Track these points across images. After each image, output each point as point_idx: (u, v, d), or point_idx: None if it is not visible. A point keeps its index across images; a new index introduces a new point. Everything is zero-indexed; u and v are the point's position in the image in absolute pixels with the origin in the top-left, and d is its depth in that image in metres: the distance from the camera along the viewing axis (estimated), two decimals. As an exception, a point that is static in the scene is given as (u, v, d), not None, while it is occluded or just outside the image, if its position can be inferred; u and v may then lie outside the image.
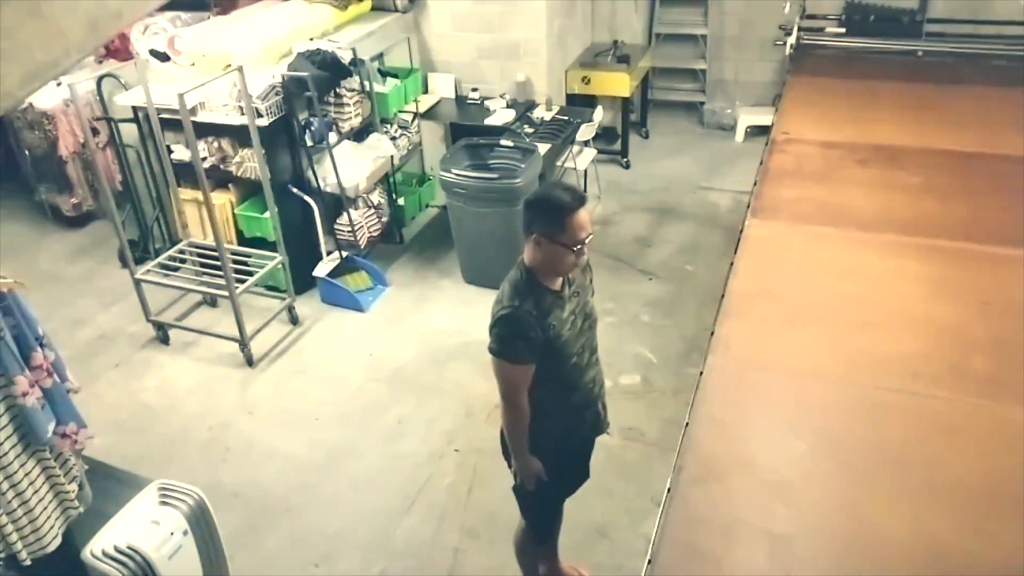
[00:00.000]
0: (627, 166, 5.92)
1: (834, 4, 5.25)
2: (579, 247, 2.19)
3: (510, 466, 2.55)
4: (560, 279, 2.30)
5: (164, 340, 4.26)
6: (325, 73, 4.09)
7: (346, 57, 4.21)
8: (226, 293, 3.94)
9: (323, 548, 3.06)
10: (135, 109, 4.20)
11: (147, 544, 2.27)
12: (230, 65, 3.87)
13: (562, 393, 2.41)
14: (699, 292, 4.38)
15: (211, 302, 4.51)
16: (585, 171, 5.36)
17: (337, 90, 4.28)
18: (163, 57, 4.16)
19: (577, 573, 2.92)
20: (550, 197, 2.23)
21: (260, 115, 3.88)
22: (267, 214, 4.17)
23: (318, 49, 4.14)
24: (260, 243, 4.33)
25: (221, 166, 4.12)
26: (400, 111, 4.94)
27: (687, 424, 2.26)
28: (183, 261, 4.36)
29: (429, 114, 5.22)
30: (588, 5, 6.03)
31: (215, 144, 4.07)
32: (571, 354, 2.34)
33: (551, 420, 2.41)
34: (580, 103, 5.51)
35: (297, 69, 4.03)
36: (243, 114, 3.82)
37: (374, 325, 4.34)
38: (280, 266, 4.21)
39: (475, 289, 4.57)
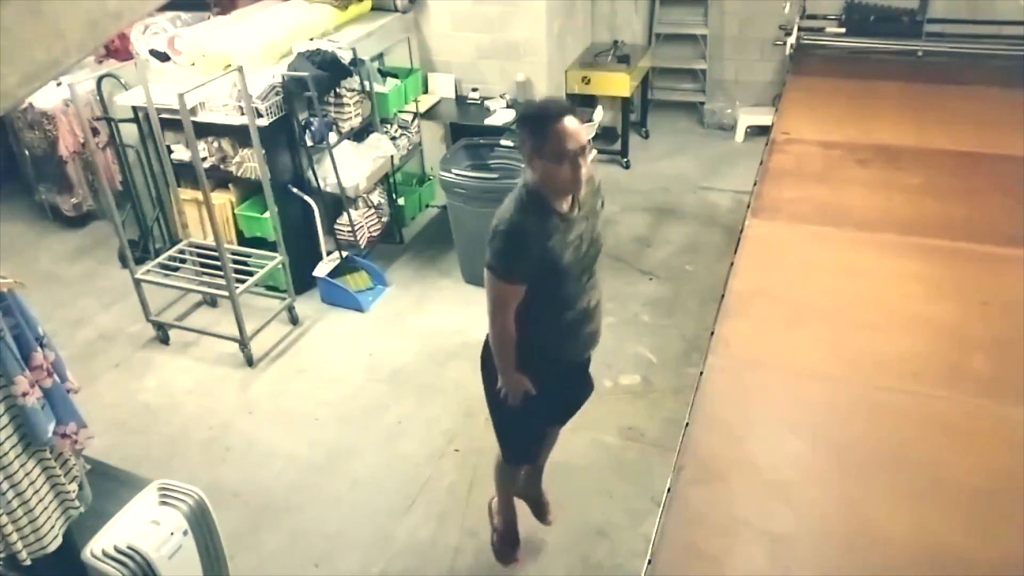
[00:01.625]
0: (627, 166, 5.92)
1: (834, 4, 5.25)
2: (571, 159, 2.09)
3: (484, 380, 2.51)
4: (568, 200, 2.21)
5: (164, 340, 4.26)
6: (325, 73, 4.08)
7: (346, 57, 4.21)
8: (226, 293, 3.94)
9: (323, 548, 3.06)
10: (135, 109, 4.20)
11: (147, 544, 2.27)
12: (230, 65, 3.87)
13: (556, 312, 2.34)
14: (699, 292, 4.38)
15: (211, 302, 4.51)
16: (585, 171, 5.35)
17: (337, 90, 4.28)
18: (163, 57, 4.16)
19: (546, 501, 2.96)
20: (534, 109, 2.22)
21: (260, 115, 3.88)
22: (267, 214, 4.17)
23: (318, 49, 4.14)
24: (260, 243, 4.33)
25: (221, 166, 4.12)
26: (400, 111, 4.94)
27: (687, 424, 2.26)
28: (183, 261, 4.36)
29: (429, 114, 5.22)
30: (588, 5, 6.03)
31: (215, 144, 4.07)
32: (570, 278, 2.27)
33: (542, 337, 2.34)
34: (580, 103, 5.51)
35: (297, 69, 4.03)
36: (243, 114, 3.82)
37: (374, 325, 4.34)
38: (280, 266, 4.21)
39: (475, 289, 4.56)
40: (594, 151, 2.21)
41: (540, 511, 3.02)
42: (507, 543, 2.95)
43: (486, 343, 2.48)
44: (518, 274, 2.20)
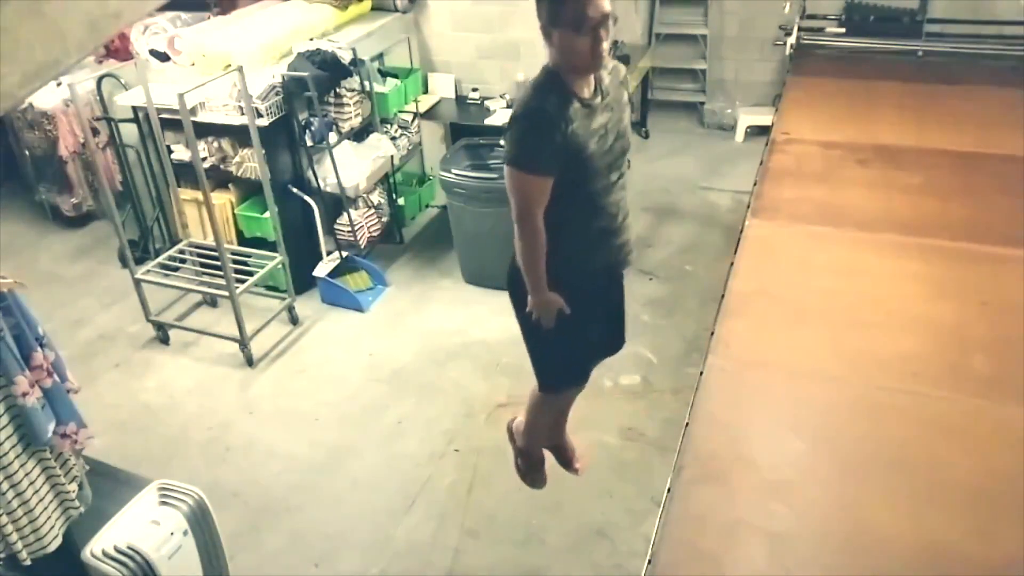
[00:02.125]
0: (627, 166, 5.91)
1: (834, 4, 5.25)
2: (592, 28, 1.93)
3: (516, 307, 2.30)
4: (589, 84, 2.06)
5: (164, 340, 4.26)
6: (325, 73, 4.08)
7: (346, 57, 4.21)
8: (226, 293, 3.94)
9: (323, 548, 3.06)
10: (135, 109, 4.20)
11: (147, 544, 2.27)
12: (230, 65, 3.87)
13: (583, 216, 2.16)
14: (699, 292, 4.38)
15: (211, 302, 4.51)
16: (585, 171, 5.36)
17: (337, 90, 4.28)
18: (163, 57, 4.16)
19: (572, 447, 2.71)
20: None
21: (260, 115, 3.88)
22: (267, 214, 4.17)
23: (318, 49, 4.14)
24: (260, 243, 4.33)
25: (221, 166, 4.12)
26: (400, 111, 4.94)
27: (687, 424, 2.26)
28: (183, 261, 4.36)
29: (429, 114, 5.21)
30: (588, 5, 6.02)
31: (215, 144, 4.07)
32: (596, 172, 2.09)
33: (570, 246, 2.17)
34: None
35: (297, 69, 4.03)
36: (243, 114, 3.82)
37: (374, 325, 4.35)
38: (280, 266, 4.21)
39: (475, 289, 4.57)
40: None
41: (567, 458, 2.78)
42: (533, 464, 2.72)
43: (512, 266, 2.28)
44: (543, 163, 2.01)
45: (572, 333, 2.29)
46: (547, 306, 2.21)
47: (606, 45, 1.98)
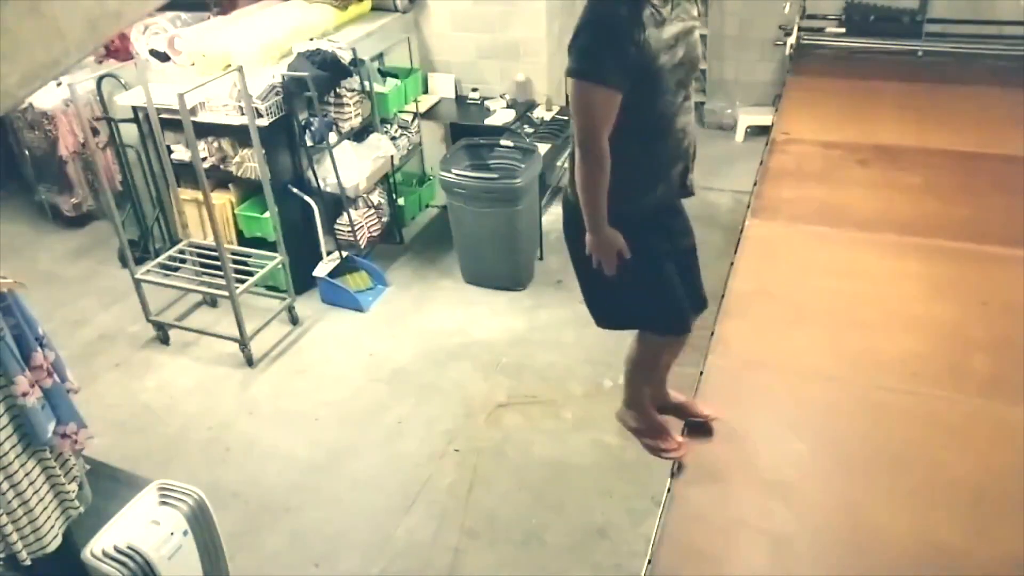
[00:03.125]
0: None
1: (834, 4, 5.25)
2: None
3: (571, 249, 2.09)
4: None
5: (164, 340, 4.26)
6: (325, 73, 4.08)
7: (346, 57, 4.21)
8: (226, 293, 3.94)
9: (323, 548, 3.06)
10: (135, 109, 4.20)
11: (147, 544, 2.27)
12: (230, 65, 3.87)
13: (649, 140, 1.97)
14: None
15: (211, 302, 4.51)
16: (585, 171, 5.36)
17: (337, 90, 4.28)
18: (163, 57, 4.16)
19: (683, 400, 2.36)
20: None
21: (260, 115, 3.88)
22: (267, 214, 4.17)
23: (318, 49, 4.14)
24: (260, 243, 4.32)
25: (221, 166, 4.12)
26: (400, 111, 4.93)
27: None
28: (183, 261, 4.36)
29: (429, 114, 5.21)
30: (588, 5, 6.02)
31: (215, 144, 4.07)
32: (666, 88, 1.90)
33: (633, 175, 1.97)
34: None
35: (297, 69, 4.03)
36: (243, 114, 3.82)
37: (374, 325, 4.34)
38: (280, 266, 4.21)
39: (475, 289, 4.57)
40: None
41: (692, 412, 2.36)
42: (658, 435, 2.37)
43: (566, 201, 2.09)
44: (614, 74, 1.81)
45: (642, 275, 2.06)
46: (608, 246, 1.99)
47: None
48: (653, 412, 2.38)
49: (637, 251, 2.02)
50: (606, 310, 2.23)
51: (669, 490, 2.03)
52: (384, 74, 4.85)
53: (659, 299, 2.13)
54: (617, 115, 1.85)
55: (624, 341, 3.93)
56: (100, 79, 4.29)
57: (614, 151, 1.87)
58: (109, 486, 2.46)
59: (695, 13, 2.00)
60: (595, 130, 1.85)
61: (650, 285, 2.10)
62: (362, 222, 4.54)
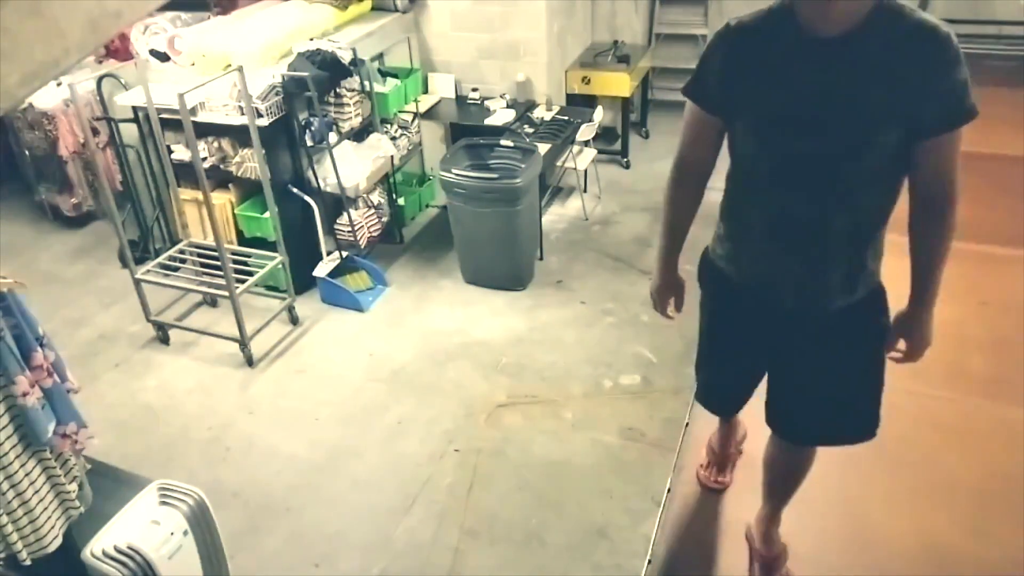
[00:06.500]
0: (627, 166, 5.92)
1: (834, 4, 5.25)
2: None
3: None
4: (829, 14, 1.39)
5: (164, 340, 4.26)
6: (325, 73, 4.09)
7: (346, 57, 4.21)
8: (226, 293, 3.94)
9: (323, 548, 3.06)
10: (135, 109, 4.20)
11: (147, 544, 2.27)
12: (230, 65, 3.87)
13: (740, 204, 1.63)
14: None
15: (211, 302, 4.51)
16: (585, 171, 5.36)
17: (337, 90, 4.28)
18: (163, 57, 4.16)
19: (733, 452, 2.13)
20: None
21: (260, 115, 3.88)
22: (267, 214, 4.17)
23: (318, 49, 4.14)
24: (260, 243, 4.33)
25: (221, 166, 4.12)
26: (400, 111, 4.94)
27: (687, 424, 2.26)
28: (183, 261, 4.36)
29: (429, 114, 5.22)
30: (588, 5, 6.03)
31: (215, 144, 4.07)
32: (777, 142, 1.47)
33: (727, 232, 1.65)
34: (580, 103, 5.51)
35: (297, 69, 4.03)
36: (243, 114, 3.82)
37: (374, 325, 4.35)
38: (280, 266, 4.21)
39: (475, 289, 4.57)
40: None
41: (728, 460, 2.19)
42: (717, 470, 2.22)
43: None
44: (695, 86, 1.58)
45: (706, 344, 1.83)
46: (656, 291, 1.73)
47: None
48: (714, 447, 2.27)
49: (701, 307, 1.81)
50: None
51: (669, 490, 2.03)
52: (384, 74, 4.85)
53: (699, 366, 2.06)
54: (731, 152, 1.54)
55: (624, 341, 3.93)
56: (100, 79, 4.29)
57: (722, 202, 1.60)
58: (109, 486, 2.46)
59: (912, 76, 1.66)
60: (682, 147, 1.64)
61: (700, 348, 2.01)
62: (362, 222, 4.55)
